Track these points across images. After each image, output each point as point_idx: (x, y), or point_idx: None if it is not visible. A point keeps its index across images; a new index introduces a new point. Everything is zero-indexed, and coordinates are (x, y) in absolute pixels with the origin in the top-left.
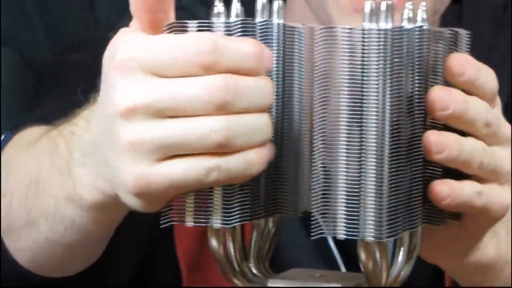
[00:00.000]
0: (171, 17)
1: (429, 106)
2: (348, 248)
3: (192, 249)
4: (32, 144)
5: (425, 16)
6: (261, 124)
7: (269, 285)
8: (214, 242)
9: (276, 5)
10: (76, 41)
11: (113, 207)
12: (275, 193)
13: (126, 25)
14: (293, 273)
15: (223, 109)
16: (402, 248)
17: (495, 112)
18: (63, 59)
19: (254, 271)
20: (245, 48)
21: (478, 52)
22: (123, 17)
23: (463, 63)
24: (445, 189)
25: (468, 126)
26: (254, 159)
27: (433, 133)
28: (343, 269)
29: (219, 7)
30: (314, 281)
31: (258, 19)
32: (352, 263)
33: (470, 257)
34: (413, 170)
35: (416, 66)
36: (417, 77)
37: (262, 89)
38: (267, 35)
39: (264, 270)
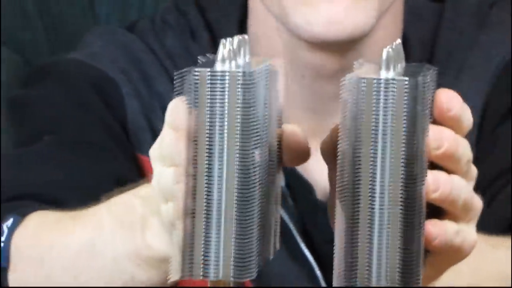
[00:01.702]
0: None
1: None
2: (321, 253)
3: None
4: (75, 217)
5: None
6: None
7: None
8: None
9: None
10: (38, 70)
11: None
12: (262, 244)
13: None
14: None
15: None
16: None
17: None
18: (28, 95)
19: None
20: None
21: (457, 49)
22: (123, 17)
23: (451, 98)
24: (435, 229)
25: (455, 164)
26: None
27: (430, 172)
28: (317, 272)
29: (224, 52)
30: None
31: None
32: (326, 267)
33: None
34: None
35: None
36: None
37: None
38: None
39: None
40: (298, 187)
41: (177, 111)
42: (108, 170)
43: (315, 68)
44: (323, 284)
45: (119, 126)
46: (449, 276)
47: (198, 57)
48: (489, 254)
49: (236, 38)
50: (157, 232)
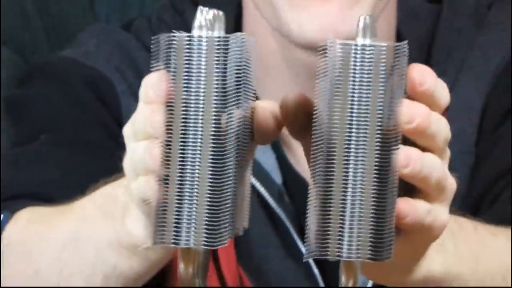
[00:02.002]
0: None
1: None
2: None
3: None
4: (62, 211)
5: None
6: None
7: None
8: (183, 265)
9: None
10: (34, 69)
11: (157, 250)
12: (234, 214)
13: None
14: None
15: None
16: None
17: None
18: (24, 94)
19: None
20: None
21: (456, 50)
22: (122, 17)
23: (423, 73)
24: (406, 207)
25: (429, 140)
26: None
27: (402, 148)
28: (315, 270)
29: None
30: None
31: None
32: (324, 265)
33: (417, 273)
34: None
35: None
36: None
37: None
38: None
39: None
40: (294, 185)
41: (151, 85)
42: (105, 169)
43: (309, 67)
44: (320, 282)
45: (115, 124)
46: (450, 261)
47: (173, 30)
48: (490, 242)
49: (211, 12)
50: (136, 218)
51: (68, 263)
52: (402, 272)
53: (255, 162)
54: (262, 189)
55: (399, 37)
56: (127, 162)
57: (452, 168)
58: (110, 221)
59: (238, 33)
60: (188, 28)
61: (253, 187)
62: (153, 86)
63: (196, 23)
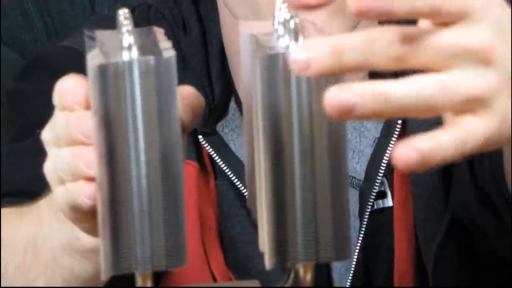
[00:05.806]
0: None
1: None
2: None
3: None
4: (22, 213)
5: None
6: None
7: None
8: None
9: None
10: (33, 61)
11: None
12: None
13: None
14: None
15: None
16: None
17: None
18: (20, 88)
19: None
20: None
21: None
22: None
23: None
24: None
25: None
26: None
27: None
28: None
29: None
30: None
31: None
32: None
33: None
34: None
35: None
36: None
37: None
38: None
39: None
40: None
41: (67, 90)
42: None
43: None
44: None
45: None
46: None
47: (85, 33)
48: None
49: (121, 16)
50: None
51: (31, 267)
52: None
53: (237, 160)
54: (242, 188)
55: None
56: (50, 168)
57: None
58: (63, 224)
59: (170, 52)
60: (183, 20)
61: (234, 186)
62: (70, 91)
63: (125, 44)
